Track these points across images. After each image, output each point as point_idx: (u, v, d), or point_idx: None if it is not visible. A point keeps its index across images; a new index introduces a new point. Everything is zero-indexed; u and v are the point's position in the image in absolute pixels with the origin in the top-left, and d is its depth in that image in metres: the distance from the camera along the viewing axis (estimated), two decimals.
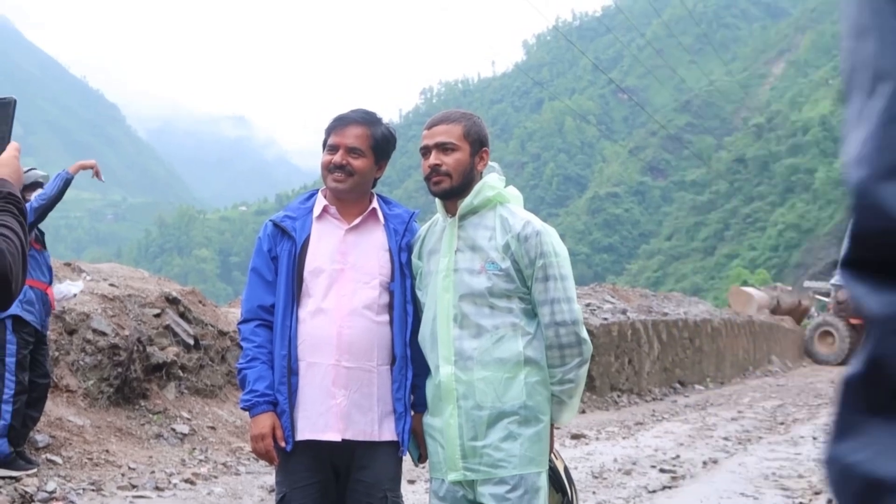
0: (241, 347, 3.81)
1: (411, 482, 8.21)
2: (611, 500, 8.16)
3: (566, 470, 3.78)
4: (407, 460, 3.84)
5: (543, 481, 3.55)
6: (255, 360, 3.70)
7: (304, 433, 3.65)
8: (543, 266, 3.54)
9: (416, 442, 3.81)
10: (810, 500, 8.28)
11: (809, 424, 14.39)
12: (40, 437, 8.21)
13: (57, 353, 9.12)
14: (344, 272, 3.73)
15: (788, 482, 9.20)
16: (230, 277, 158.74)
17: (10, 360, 7.38)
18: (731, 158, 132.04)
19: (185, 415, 9.93)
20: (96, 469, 8.16)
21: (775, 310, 38.03)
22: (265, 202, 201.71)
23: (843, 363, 31.74)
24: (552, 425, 3.64)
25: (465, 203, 3.63)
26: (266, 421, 3.64)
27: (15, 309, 7.29)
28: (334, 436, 3.63)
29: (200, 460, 9.02)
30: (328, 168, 3.78)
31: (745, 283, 58.23)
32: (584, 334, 3.58)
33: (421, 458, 3.83)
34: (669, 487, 8.91)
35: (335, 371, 3.66)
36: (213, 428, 9.97)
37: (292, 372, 3.68)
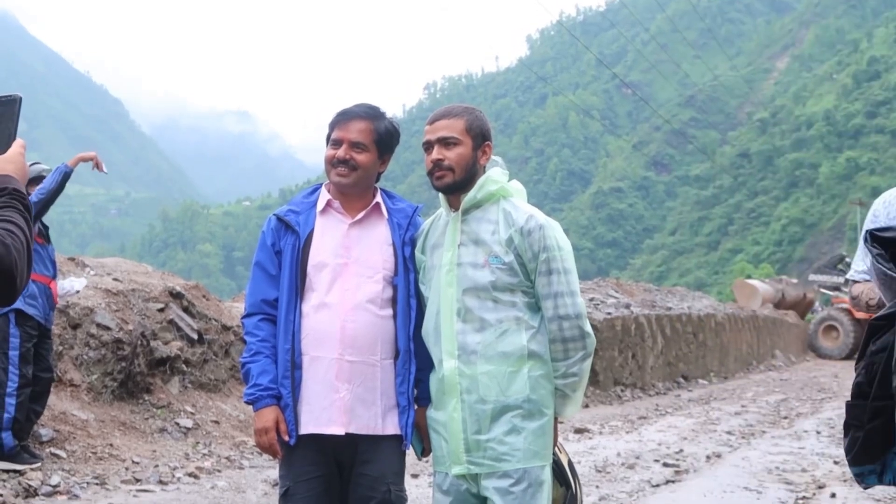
0: (244, 342, 3.81)
1: (415, 476, 8.22)
2: (614, 494, 8.17)
3: (570, 463, 3.78)
4: (410, 454, 3.84)
5: (547, 475, 3.56)
6: (259, 354, 3.70)
7: (307, 427, 3.65)
8: (547, 260, 3.54)
9: (419, 436, 3.81)
10: (813, 495, 8.28)
11: (813, 419, 14.39)
12: (44, 431, 8.23)
13: (61, 348, 9.13)
14: (347, 266, 3.73)
15: (792, 476, 9.21)
16: (234, 272, 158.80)
17: (14, 354, 7.40)
18: (735, 153, 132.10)
19: (189, 409, 9.94)
20: (100, 463, 8.18)
21: (780, 303, 38.02)
22: (269, 197, 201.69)
23: (847, 357, 31.72)
24: (556, 419, 3.65)
25: (469, 197, 3.64)
26: (270, 415, 3.64)
27: (18, 303, 7.29)
28: (338, 430, 3.64)
29: (204, 454, 9.03)
30: (332, 162, 3.78)
31: (749, 277, 58.19)
32: (588, 328, 3.58)
33: (424, 451, 3.84)
34: (673, 481, 8.92)
35: (339, 365, 3.66)
36: (216, 422, 9.99)
37: (296, 366, 3.68)
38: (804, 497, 8.17)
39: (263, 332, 3.73)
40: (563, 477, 3.68)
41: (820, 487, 8.60)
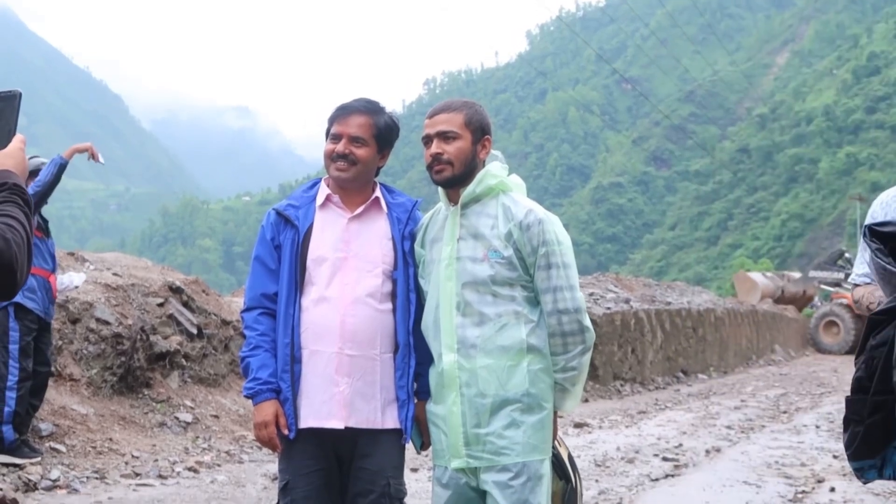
0: (244, 336, 3.82)
1: (414, 470, 8.23)
2: (613, 489, 8.18)
3: (570, 457, 3.79)
4: (410, 448, 3.84)
5: (546, 469, 3.56)
6: (259, 349, 3.71)
7: (307, 421, 3.65)
8: (546, 254, 3.54)
9: (419, 430, 3.81)
10: (813, 489, 8.30)
11: (812, 413, 14.40)
12: (44, 426, 8.24)
13: (60, 342, 9.14)
14: (347, 261, 3.73)
15: (791, 470, 9.22)
16: (233, 267, 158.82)
17: (14, 348, 7.40)
18: (735, 148, 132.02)
19: (189, 403, 9.95)
20: (100, 457, 8.19)
21: (779, 298, 38.03)
22: (268, 193, 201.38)
23: (848, 353, 31.75)
24: (555, 413, 3.65)
25: (468, 191, 3.64)
26: (269, 409, 3.65)
27: (17, 296, 7.29)
28: (337, 423, 3.64)
29: (204, 449, 9.04)
30: (331, 157, 3.78)
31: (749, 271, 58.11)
32: (587, 322, 3.59)
33: (423, 445, 3.84)
34: (672, 476, 8.93)
35: (338, 359, 3.67)
36: (216, 416, 10.00)
37: (295, 360, 3.68)
38: (803, 491, 8.18)
39: (263, 327, 3.73)
40: (562, 471, 3.69)
41: (819, 482, 8.62)
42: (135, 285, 10.32)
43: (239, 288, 16.46)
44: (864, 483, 3.33)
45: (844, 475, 8.74)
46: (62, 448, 8.10)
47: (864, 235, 3.12)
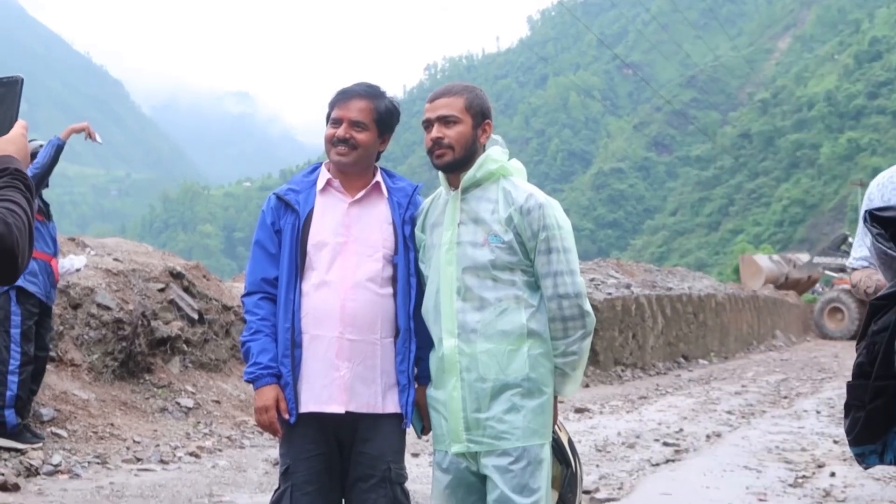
0: (244, 321, 3.82)
1: (415, 455, 8.25)
2: (614, 473, 8.19)
3: (570, 442, 3.79)
4: (410, 433, 3.85)
5: (546, 453, 3.56)
6: (259, 333, 3.70)
7: (307, 405, 3.65)
8: (546, 239, 3.53)
9: (419, 414, 3.81)
10: (813, 474, 8.31)
11: (813, 398, 14.42)
12: (45, 411, 8.25)
13: (61, 328, 9.15)
14: (347, 245, 3.73)
15: (791, 455, 9.23)
16: (234, 253, 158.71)
17: (15, 332, 7.41)
18: (736, 134, 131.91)
19: (190, 389, 9.96)
20: (101, 442, 8.20)
21: (783, 284, 38.02)
22: (269, 178, 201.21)
23: (852, 339, 31.76)
24: (555, 398, 3.65)
25: (468, 176, 3.63)
26: (270, 393, 3.65)
27: (18, 280, 7.29)
28: (338, 408, 3.64)
29: (205, 434, 9.06)
30: (332, 141, 3.77)
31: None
32: (588, 307, 3.58)
33: (424, 430, 3.84)
34: (673, 461, 8.95)
35: (339, 343, 3.66)
36: (217, 402, 10.01)
37: (296, 344, 3.68)
38: (804, 476, 8.20)
39: (263, 311, 3.73)
40: (562, 455, 3.69)
41: (819, 466, 8.63)
42: (136, 271, 10.32)
43: (240, 273, 16.47)
44: (865, 468, 3.33)
45: (845, 460, 8.75)
46: (63, 433, 8.12)
47: (865, 220, 3.11)
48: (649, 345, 18.91)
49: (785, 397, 14.66)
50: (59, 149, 7.68)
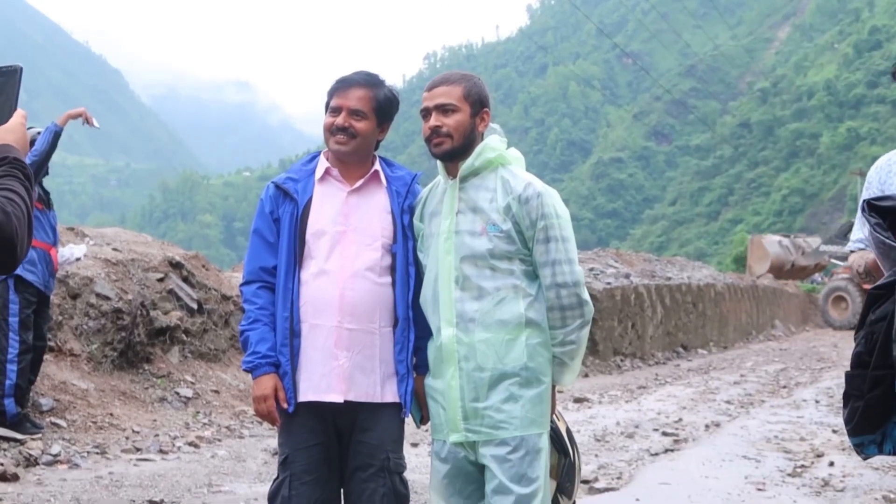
0: (243, 310, 3.82)
1: (414, 445, 8.26)
2: (613, 463, 8.20)
3: (568, 431, 3.78)
4: (409, 422, 3.84)
5: (545, 442, 3.56)
6: (258, 322, 3.70)
7: (306, 395, 3.65)
8: (544, 227, 3.53)
9: (418, 404, 3.81)
10: (812, 463, 8.32)
11: (812, 388, 14.43)
12: (44, 401, 8.25)
13: (60, 318, 9.15)
14: (346, 234, 3.72)
15: (790, 445, 9.25)
16: (234, 243, 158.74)
17: (14, 320, 7.41)
18: (736, 123, 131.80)
19: (189, 378, 9.97)
20: (100, 432, 8.21)
21: (788, 271, 37.95)
22: (269, 168, 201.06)
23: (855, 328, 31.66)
24: (554, 387, 3.65)
25: (466, 165, 3.62)
26: (268, 382, 3.65)
27: (17, 269, 7.28)
28: (337, 397, 3.64)
29: (204, 424, 9.06)
30: (331, 130, 3.75)
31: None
32: (586, 296, 3.58)
33: (423, 419, 3.84)
34: (672, 450, 8.96)
35: (337, 333, 3.66)
36: (216, 392, 10.02)
37: (294, 334, 3.67)
38: (802, 465, 8.21)
39: (262, 300, 3.73)
40: (561, 445, 3.68)
41: (818, 456, 8.64)
42: (135, 260, 10.31)
43: (239, 263, 16.46)
44: (864, 458, 3.33)
45: (843, 450, 8.76)
46: (63, 423, 8.12)
47: (863, 210, 3.10)
48: (648, 334, 18.92)
49: (784, 387, 14.67)
50: (56, 135, 7.66)
